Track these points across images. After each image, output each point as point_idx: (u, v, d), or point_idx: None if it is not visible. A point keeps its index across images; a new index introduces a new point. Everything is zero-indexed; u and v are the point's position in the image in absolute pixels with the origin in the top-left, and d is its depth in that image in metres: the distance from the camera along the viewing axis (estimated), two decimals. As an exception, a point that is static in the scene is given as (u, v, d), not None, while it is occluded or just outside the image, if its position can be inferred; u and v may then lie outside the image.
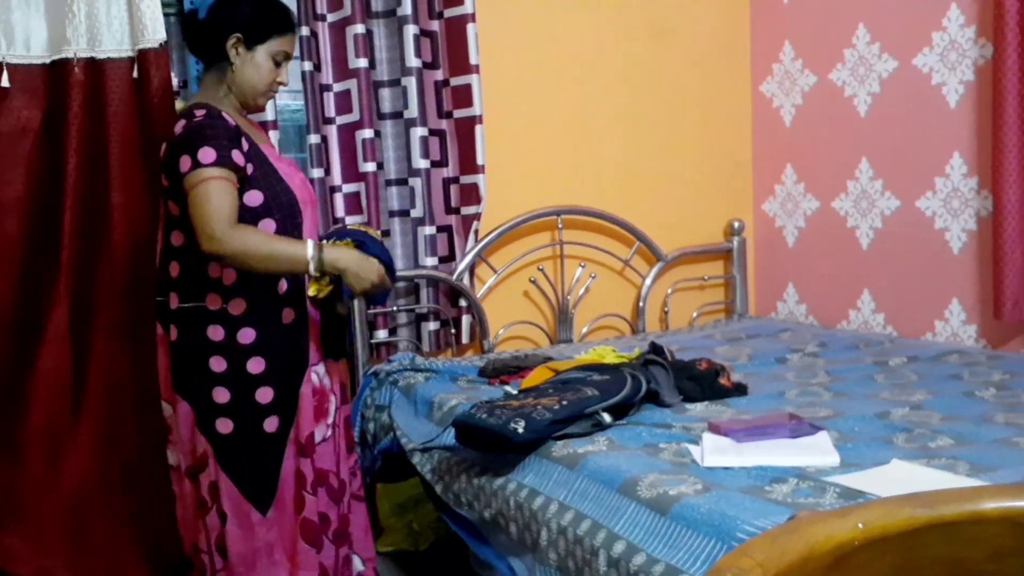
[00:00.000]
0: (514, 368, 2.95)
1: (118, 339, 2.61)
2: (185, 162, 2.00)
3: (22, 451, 2.53)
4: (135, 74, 2.57)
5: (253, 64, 2.14)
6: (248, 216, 2.08)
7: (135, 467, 2.64)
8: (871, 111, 3.46)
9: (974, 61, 3.09)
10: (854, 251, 3.57)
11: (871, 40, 3.43)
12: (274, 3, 2.17)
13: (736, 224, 3.88)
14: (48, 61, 2.55)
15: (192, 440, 2.18)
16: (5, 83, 2.50)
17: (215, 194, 1.97)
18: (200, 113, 2.06)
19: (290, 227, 2.15)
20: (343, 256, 2.12)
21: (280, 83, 2.21)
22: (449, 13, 3.19)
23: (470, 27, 3.16)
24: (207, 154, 1.98)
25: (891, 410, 2.31)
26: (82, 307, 2.56)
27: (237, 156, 2.04)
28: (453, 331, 3.32)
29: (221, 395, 2.12)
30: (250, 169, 2.09)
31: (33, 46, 2.54)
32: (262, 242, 2.03)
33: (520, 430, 2.10)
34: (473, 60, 3.17)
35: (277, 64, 2.17)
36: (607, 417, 2.26)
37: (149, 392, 2.63)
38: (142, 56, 2.56)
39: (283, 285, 2.15)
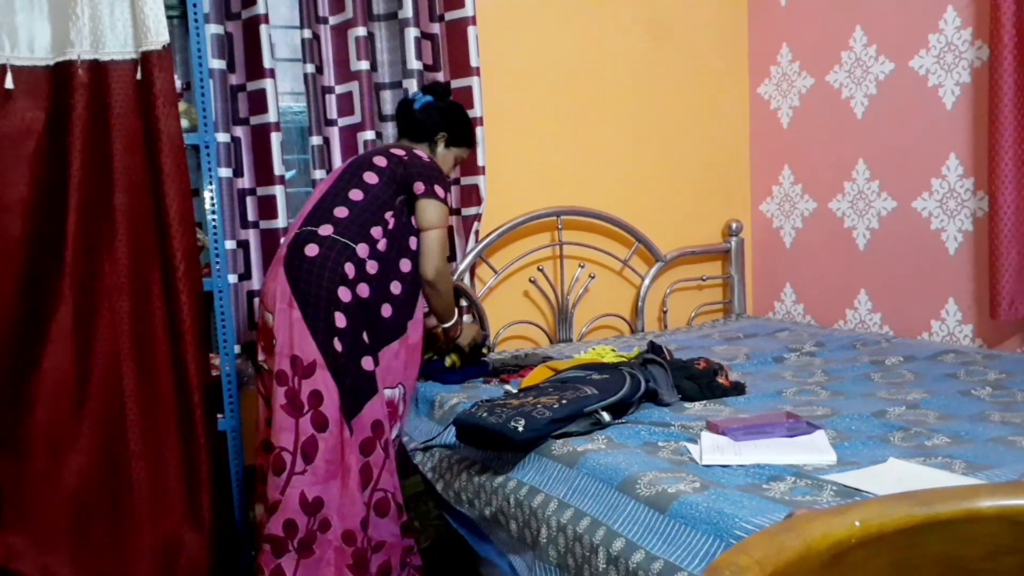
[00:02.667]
0: (514, 367, 2.96)
1: (121, 338, 2.62)
2: (419, 187, 2.60)
3: (26, 449, 2.55)
4: (138, 76, 2.58)
5: (444, 158, 2.80)
6: (411, 228, 2.61)
7: (137, 465, 2.65)
8: (868, 113, 3.48)
9: (970, 63, 3.11)
10: (851, 251, 3.59)
11: (868, 42, 3.45)
12: (471, 123, 2.90)
13: (734, 225, 3.89)
14: (52, 63, 2.56)
15: (300, 348, 2.38)
16: (9, 85, 2.51)
17: (443, 235, 2.64)
18: (424, 154, 2.70)
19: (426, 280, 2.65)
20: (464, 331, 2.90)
21: (449, 177, 2.86)
22: (450, 16, 3.20)
23: (471, 29, 3.17)
24: (440, 191, 2.63)
25: (888, 409, 2.32)
26: (85, 307, 2.57)
27: (448, 196, 2.70)
28: (453, 331, 3.34)
29: (340, 320, 2.40)
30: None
31: (37, 48, 2.55)
32: (451, 294, 2.73)
33: (520, 429, 2.11)
34: (474, 62, 3.18)
35: (455, 164, 2.87)
36: (606, 416, 2.27)
37: (152, 391, 2.65)
38: (145, 58, 2.57)
39: (397, 288, 2.56)
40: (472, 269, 3.36)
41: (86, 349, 2.58)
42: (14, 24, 2.52)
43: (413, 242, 2.62)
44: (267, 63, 2.93)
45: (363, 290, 2.47)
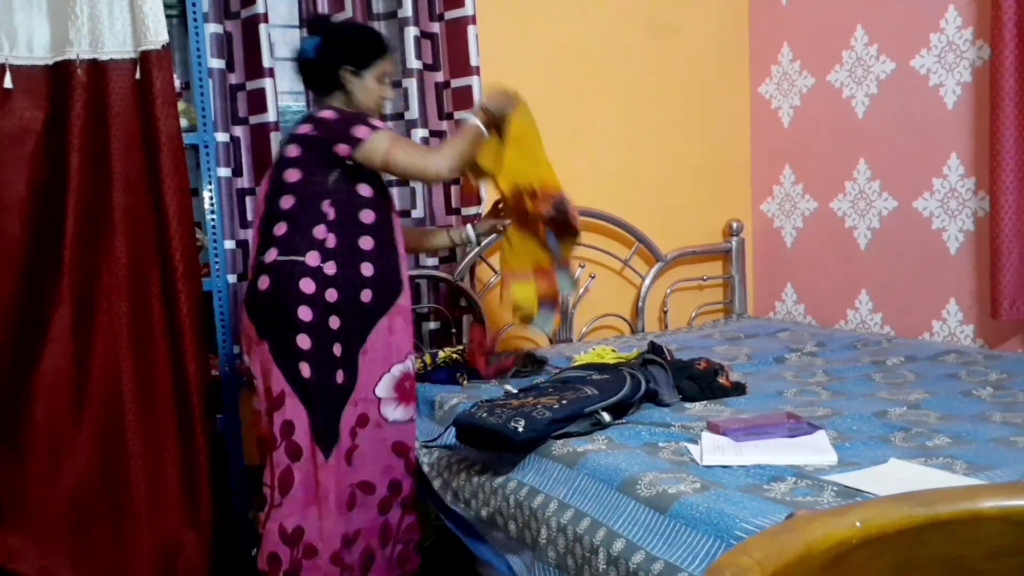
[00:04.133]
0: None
1: (120, 338, 2.62)
2: (343, 148, 2.36)
3: (25, 449, 2.54)
4: (137, 75, 2.58)
5: (363, 88, 2.50)
6: (357, 202, 2.43)
7: (137, 466, 2.65)
8: (869, 112, 3.47)
9: (971, 62, 3.10)
10: (852, 251, 3.58)
11: (869, 41, 3.44)
12: (370, 34, 2.58)
13: (735, 224, 3.89)
14: (51, 62, 2.56)
15: (268, 381, 2.36)
16: (8, 84, 2.51)
17: (400, 145, 2.39)
18: (327, 112, 2.44)
19: (388, 225, 2.48)
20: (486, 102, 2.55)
21: (386, 98, 2.57)
22: (449, 15, 3.20)
23: (470, 29, 3.17)
24: (361, 130, 2.36)
25: (889, 409, 2.32)
26: (84, 307, 2.57)
27: (377, 122, 2.41)
28: (453, 331, 3.33)
29: (304, 341, 2.34)
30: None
31: (36, 47, 2.55)
32: (454, 147, 2.44)
33: (520, 429, 2.11)
34: (473, 62, 3.18)
35: (382, 82, 2.54)
36: (606, 416, 2.27)
37: (151, 391, 2.65)
38: (144, 57, 2.57)
39: (368, 269, 2.42)
40: (472, 269, 3.35)
41: (85, 349, 2.58)
42: (13, 23, 2.52)
43: (366, 215, 2.44)
44: (266, 62, 2.93)
45: (331, 295, 2.38)
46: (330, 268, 2.38)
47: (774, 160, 3.90)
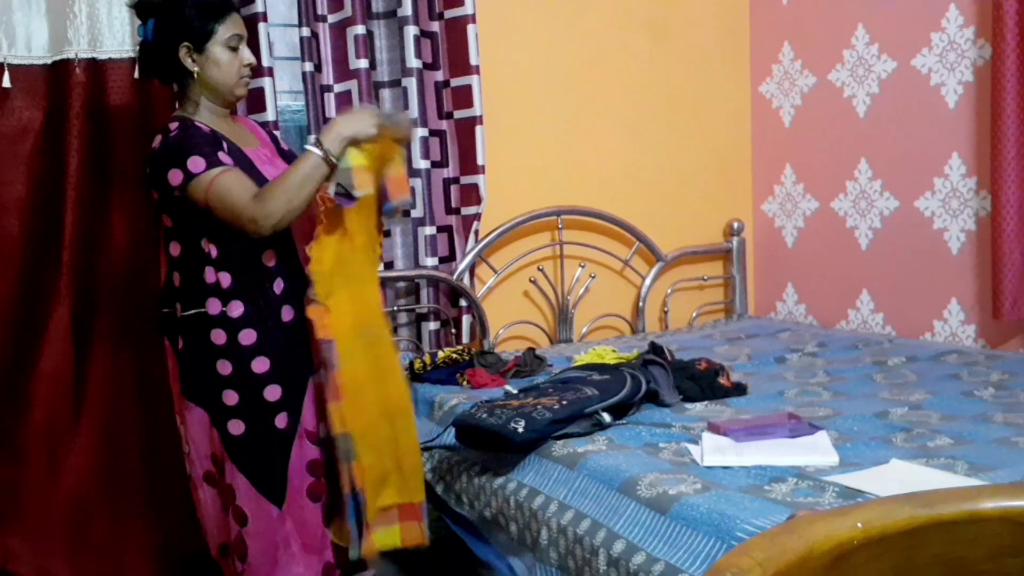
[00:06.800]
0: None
1: (119, 338, 2.62)
2: (176, 176, 2.01)
3: (23, 450, 2.54)
4: (136, 74, 2.58)
5: (212, 62, 2.11)
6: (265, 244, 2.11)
7: (136, 467, 2.65)
8: (870, 112, 3.47)
9: (973, 62, 3.10)
10: (853, 251, 3.58)
11: (870, 41, 3.43)
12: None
13: (735, 224, 3.88)
14: (49, 62, 2.56)
15: (210, 444, 2.17)
16: (6, 83, 2.51)
17: (228, 186, 1.99)
18: (174, 126, 2.09)
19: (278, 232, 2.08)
20: (335, 124, 2.06)
21: (247, 65, 2.16)
22: (449, 14, 3.19)
23: (470, 28, 3.16)
24: (197, 163, 2.00)
25: (890, 410, 2.31)
26: (83, 306, 2.57)
27: (224, 157, 2.06)
28: (453, 331, 3.32)
29: (230, 397, 2.10)
30: None
31: (34, 47, 2.55)
32: (284, 187, 1.99)
33: (520, 430, 2.11)
34: (473, 61, 3.17)
35: (234, 49, 2.13)
36: (607, 417, 2.27)
37: (151, 391, 2.65)
38: (143, 57, 2.56)
39: (279, 285, 2.14)
40: (472, 269, 3.34)
41: (84, 348, 2.58)
42: (11, 23, 2.52)
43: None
44: (265, 61, 2.92)
45: (246, 338, 2.09)
46: (234, 310, 2.09)
47: (775, 160, 3.89)
